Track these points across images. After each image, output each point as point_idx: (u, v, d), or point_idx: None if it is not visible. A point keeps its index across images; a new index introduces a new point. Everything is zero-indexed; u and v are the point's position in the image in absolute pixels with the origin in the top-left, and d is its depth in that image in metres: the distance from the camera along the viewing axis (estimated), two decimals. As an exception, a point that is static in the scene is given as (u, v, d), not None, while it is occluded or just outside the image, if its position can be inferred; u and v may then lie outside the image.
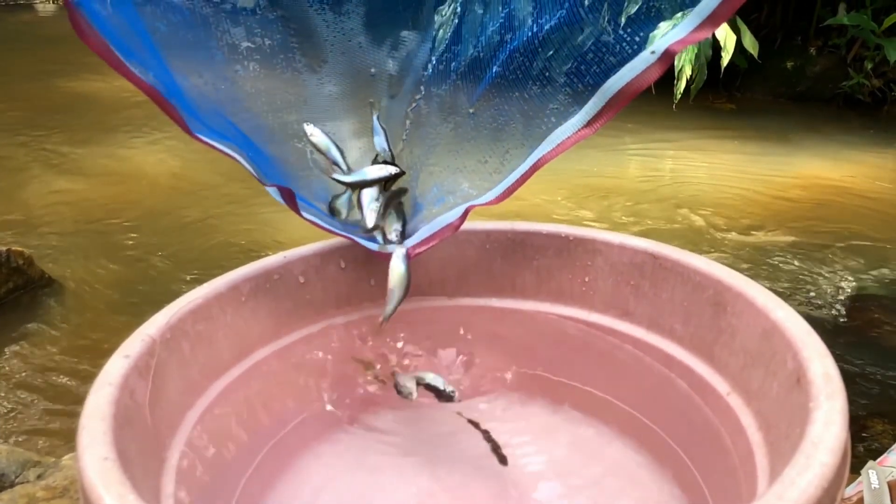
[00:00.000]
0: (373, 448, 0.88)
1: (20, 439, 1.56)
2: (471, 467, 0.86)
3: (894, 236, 2.57)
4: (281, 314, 0.86)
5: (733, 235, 2.58)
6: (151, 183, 3.12)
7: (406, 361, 0.92)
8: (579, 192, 2.93)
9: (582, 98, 0.76)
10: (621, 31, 0.72)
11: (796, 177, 3.17)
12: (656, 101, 3.55)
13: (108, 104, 4.21)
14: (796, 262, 2.36)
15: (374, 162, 0.91)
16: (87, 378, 0.78)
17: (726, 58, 3.74)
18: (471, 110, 0.86)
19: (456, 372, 0.94)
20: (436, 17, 0.87)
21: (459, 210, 0.84)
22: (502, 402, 0.94)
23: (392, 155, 0.91)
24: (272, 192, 0.80)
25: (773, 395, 0.67)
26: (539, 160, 0.80)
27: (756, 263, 2.36)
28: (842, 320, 2.04)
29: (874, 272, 2.31)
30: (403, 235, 0.88)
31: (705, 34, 0.69)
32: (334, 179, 0.89)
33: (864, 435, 1.55)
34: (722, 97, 4.42)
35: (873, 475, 0.96)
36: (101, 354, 0.68)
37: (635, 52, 0.72)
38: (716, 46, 3.76)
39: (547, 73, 0.78)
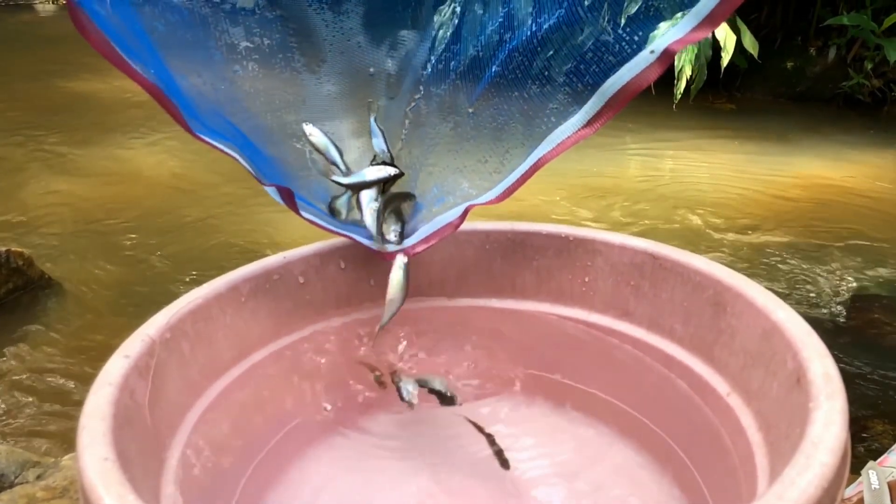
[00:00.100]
0: (373, 449, 0.88)
1: (20, 440, 1.55)
2: (472, 469, 0.86)
3: (894, 236, 2.56)
4: (281, 314, 0.86)
5: (733, 235, 2.58)
6: (151, 183, 3.12)
7: (406, 361, 0.92)
8: (578, 191, 2.93)
9: (582, 97, 0.76)
10: (621, 31, 0.72)
11: (796, 177, 3.17)
12: (656, 101, 3.55)
13: (107, 104, 4.22)
14: (796, 262, 2.36)
15: (373, 163, 0.91)
16: (87, 379, 0.78)
17: (726, 58, 3.74)
18: (470, 110, 0.86)
19: (455, 372, 0.94)
20: (435, 18, 0.87)
21: (460, 209, 0.84)
22: (503, 404, 0.94)
23: (391, 156, 0.91)
24: (271, 191, 0.80)
25: (773, 395, 0.67)
26: (539, 160, 0.80)
27: (756, 263, 2.36)
28: (842, 320, 2.03)
29: (874, 272, 2.31)
30: (402, 236, 0.88)
31: (704, 34, 0.69)
32: (333, 181, 0.89)
33: (864, 435, 1.55)
34: (722, 97, 4.42)
35: (873, 475, 0.96)
36: (100, 355, 0.68)
37: (635, 52, 0.72)
38: (716, 47, 3.76)
39: (546, 73, 0.78)
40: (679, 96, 3.75)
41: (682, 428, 0.82)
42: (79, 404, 0.61)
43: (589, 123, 0.77)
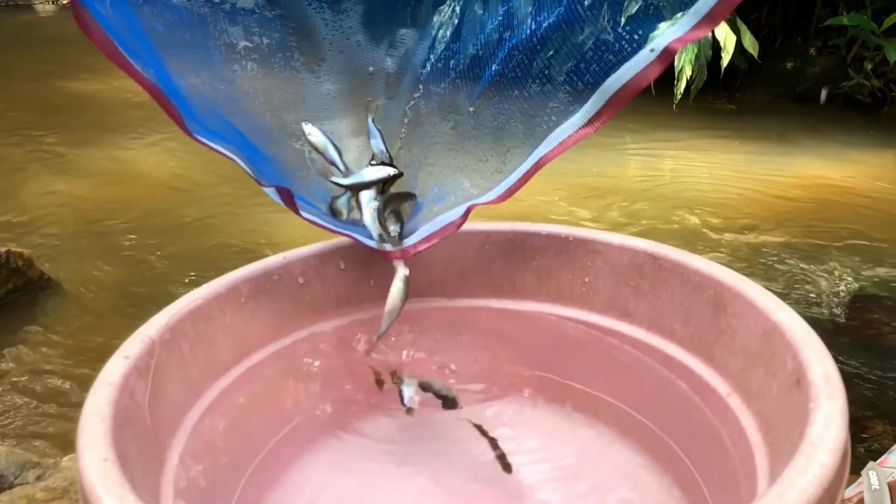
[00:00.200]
0: (373, 451, 0.88)
1: (19, 440, 1.55)
2: (472, 471, 0.85)
3: (894, 236, 2.56)
4: (280, 315, 0.86)
5: (732, 235, 2.58)
6: (150, 183, 3.12)
7: (406, 362, 0.92)
8: (578, 191, 2.93)
9: (582, 96, 0.76)
10: (621, 30, 0.72)
11: (796, 177, 3.17)
12: (656, 101, 3.55)
13: (107, 105, 4.21)
14: (796, 262, 2.36)
15: (371, 163, 0.90)
16: (87, 379, 0.78)
17: (726, 58, 3.74)
18: (471, 109, 0.86)
19: (455, 372, 0.94)
20: (435, 17, 0.87)
21: (461, 209, 0.84)
22: (503, 405, 0.94)
23: (389, 155, 0.91)
24: (270, 192, 0.80)
25: (773, 395, 0.67)
26: (541, 159, 0.80)
27: (755, 263, 2.36)
28: (841, 320, 2.03)
29: (873, 272, 2.30)
30: (402, 236, 0.88)
31: (704, 32, 0.69)
32: (332, 182, 0.89)
33: (864, 436, 1.55)
34: (722, 97, 4.42)
35: (873, 476, 0.96)
36: (100, 356, 0.68)
37: (635, 51, 0.72)
38: (716, 47, 3.76)
39: (547, 72, 0.78)
40: (679, 96, 3.75)
41: (682, 428, 0.82)
42: (78, 405, 0.61)
43: (590, 122, 0.77)
